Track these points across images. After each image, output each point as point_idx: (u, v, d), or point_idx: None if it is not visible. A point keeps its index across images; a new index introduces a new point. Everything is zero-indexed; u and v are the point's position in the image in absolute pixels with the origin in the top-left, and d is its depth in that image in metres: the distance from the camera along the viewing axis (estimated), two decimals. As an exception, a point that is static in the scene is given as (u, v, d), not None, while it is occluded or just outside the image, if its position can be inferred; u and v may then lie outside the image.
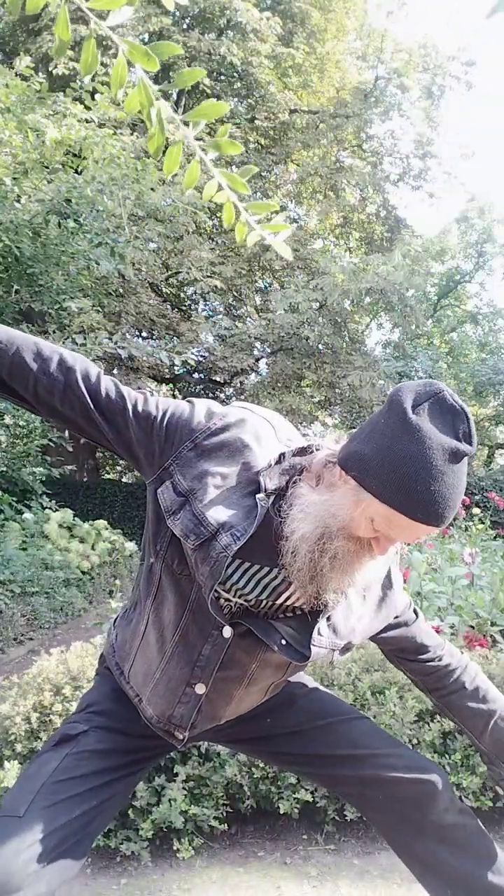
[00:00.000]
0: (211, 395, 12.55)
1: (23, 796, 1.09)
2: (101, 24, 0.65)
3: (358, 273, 9.96)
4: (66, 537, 6.52)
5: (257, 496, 1.05)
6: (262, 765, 1.99)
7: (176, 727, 1.20)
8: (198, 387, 12.76)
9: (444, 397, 0.98)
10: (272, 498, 1.06)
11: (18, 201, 5.20)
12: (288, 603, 1.13)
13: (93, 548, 6.68)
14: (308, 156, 12.27)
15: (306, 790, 1.97)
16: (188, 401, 1.15)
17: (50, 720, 2.03)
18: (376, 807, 1.30)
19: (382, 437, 0.96)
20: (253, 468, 1.08)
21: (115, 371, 10.11)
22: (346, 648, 1.17)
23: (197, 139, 0.71)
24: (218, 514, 1.05)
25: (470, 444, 0.98)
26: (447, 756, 2.06)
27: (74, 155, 5.86)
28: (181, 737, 1.21)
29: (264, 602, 1.12)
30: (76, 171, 5.72)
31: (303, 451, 1.09)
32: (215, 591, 1.07)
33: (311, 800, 1.97)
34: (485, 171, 34.33)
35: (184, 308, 12.73)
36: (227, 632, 1.11)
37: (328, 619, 1.11)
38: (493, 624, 2.79)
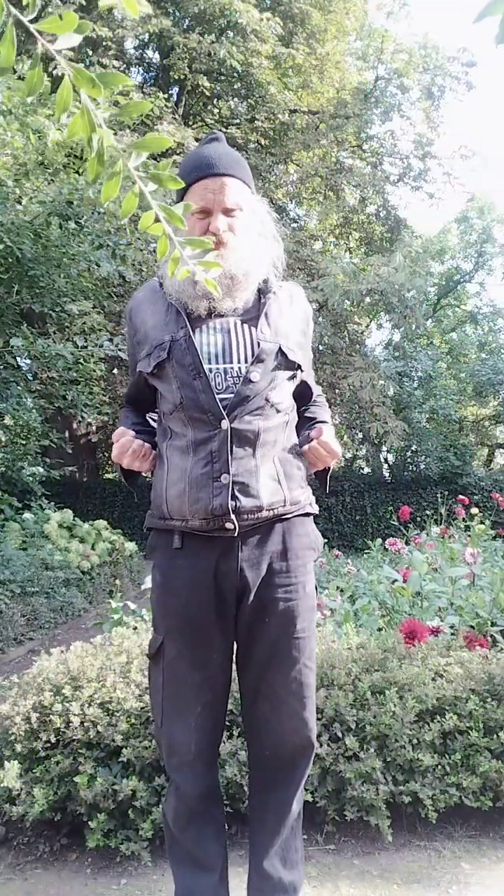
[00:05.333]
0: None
1: (155, 709, 1.49)
2: (49, 47, 0.65)
3: (358, 274, 9.96)
4: (66, 537, 6.52)
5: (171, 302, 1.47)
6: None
7: (221, 518, 1.36)
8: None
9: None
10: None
11: (20, 203, 5.20)
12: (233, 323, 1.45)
13: (93, 548, 6.69)
14: (308, 156, 12.27)
15: (306, 790, 1.97)
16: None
17: (50, 720, 2.03)
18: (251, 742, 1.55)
19: None
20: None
21: (114, 371, 10.11)
22: (288, 362, 1.45)
23: (138, 170, 0.72)
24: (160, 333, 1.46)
25: (215, 133, 1.51)
26: (447, 756, 2.06)
27: (76, 156, 5.87)
28: (231, 526, 1.37)
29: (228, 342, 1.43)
30: (77, 173, 5.72)
31: None
32: (202, 373, 1.38)
33: (311, 800, 1.98)
34: (485, 171, 34.28)
35: (184, 309, 12.70)
36: (225, 424, 1.37)
37: (266, 317, 1.45)
38: (493, 624, 2.80)
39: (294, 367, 1.48)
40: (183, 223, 0.74)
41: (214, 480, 1.37)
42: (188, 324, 1.42)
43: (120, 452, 1.47)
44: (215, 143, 1.48)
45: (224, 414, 1.37)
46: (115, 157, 0.71)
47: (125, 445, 1.46)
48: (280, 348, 1.43)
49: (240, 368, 1.40)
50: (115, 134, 5.84)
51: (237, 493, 1.37)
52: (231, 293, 1.42)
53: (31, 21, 0.64)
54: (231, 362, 1.40)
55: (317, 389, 1.67)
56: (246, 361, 1.40)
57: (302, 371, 1.51)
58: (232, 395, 1.38)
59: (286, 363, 1.45)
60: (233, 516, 1.36)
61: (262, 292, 1.49)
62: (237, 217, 1.44)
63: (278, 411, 1.44)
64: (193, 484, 1.38)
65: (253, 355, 1.40)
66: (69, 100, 0.67)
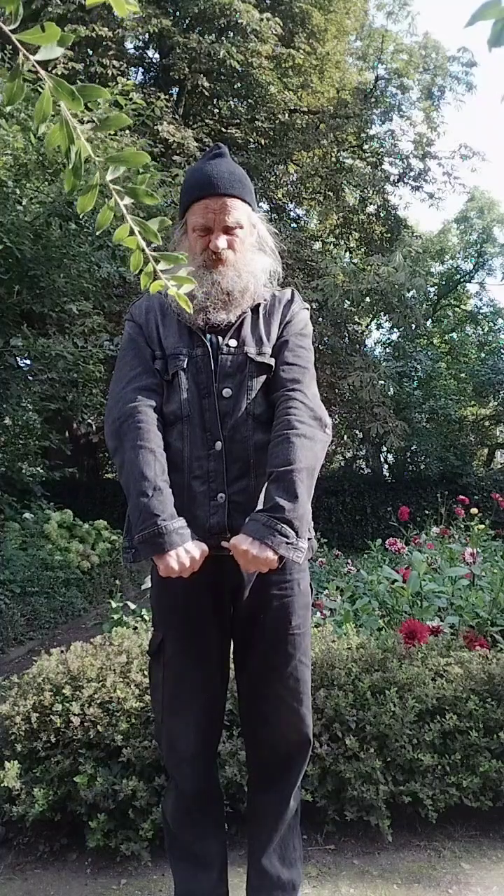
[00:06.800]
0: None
1: (157, 705, 1.51)
2: (31, 58, 0.65)
3: (358, 274, 9.96)
4: (66, 537, 6.52)
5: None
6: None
7: (218, 536, 1.38)
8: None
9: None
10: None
11: (20, 203, 5.19)
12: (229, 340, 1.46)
13: (93, 548, 6.69)
14: (308, 156, 12.27)
15: (306, 790, 1.97)
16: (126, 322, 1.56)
17: (50, 720, 2.03)
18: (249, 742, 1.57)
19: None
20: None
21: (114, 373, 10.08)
22: (261, 366, 1.45)
23: (115, 184, 0.71)
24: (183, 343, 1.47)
25: (220, 147, 1.50)
26: (447, 756, 2.06)
27: (75, 156, 5.84)
28: (227, 545, 1.36)
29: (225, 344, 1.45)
30: (77, 173, 5.70)
31: None
32: (213, 393, 1.40)
33: (311, 800, 1.98)
34: (485, 171, 34.30)
35: (184, 309, 12.66)
36: (219, 445, 1.40)
37: (239, 330, 1.46)
38: (493, 624, 2.80)
39: (270, 370, 1.47)
40: (158, 238, 0.75)
41: (211, 500, 1.39)
42: (205, 343, 1.45)
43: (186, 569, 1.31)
44: (219, 158, 1.49)
45: (221, 434, 1.40)
46: (93, 170, 0.71)
47: (195, 566, 1.32)
48: (247, 356, 1.44)
49: (219, 386, 1.43)
50: (115, 134, 5.83)
51: (233, 513, 1.39)
52: (227, 307, 1.45)
53: (13, 31, 0.64)
54: (218, 382, 1.44)
55: (294, 374, 1.44)
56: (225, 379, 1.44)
57: (266, 364, 1.47)
58: (220, 414, 1.41)
59: (258, 369, 1.45)
60: (229, 535, 1.37)
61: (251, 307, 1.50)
62: (237, 235, 1.47)
63: (266, 427, 1.43)
64: (190, 501, 1.40)
65: (220, 372, 1.43)
66: (48, 110, 0.67)
